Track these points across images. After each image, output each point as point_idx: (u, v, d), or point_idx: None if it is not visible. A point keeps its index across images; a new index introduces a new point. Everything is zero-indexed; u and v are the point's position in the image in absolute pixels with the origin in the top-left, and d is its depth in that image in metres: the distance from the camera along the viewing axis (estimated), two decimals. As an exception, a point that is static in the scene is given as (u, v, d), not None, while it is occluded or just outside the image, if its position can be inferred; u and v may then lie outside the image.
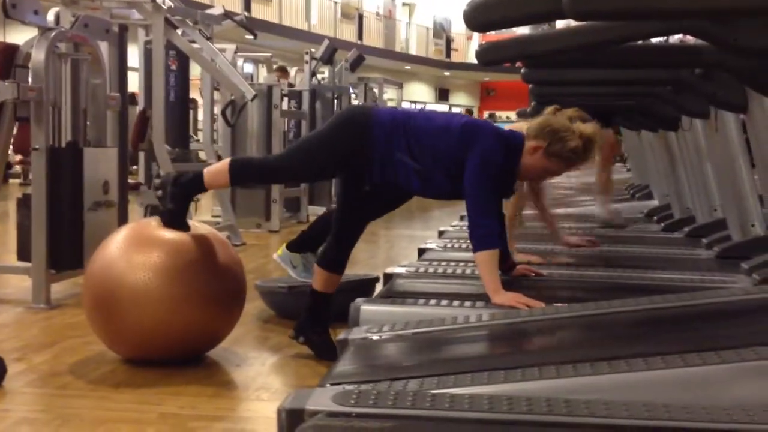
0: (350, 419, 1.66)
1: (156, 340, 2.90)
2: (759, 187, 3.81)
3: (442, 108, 27.76)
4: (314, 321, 3.11)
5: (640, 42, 3.22)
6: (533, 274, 3.32)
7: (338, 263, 3.09)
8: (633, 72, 3.74)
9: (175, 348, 2.95)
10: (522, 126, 3.71)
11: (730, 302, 2.60)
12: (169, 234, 2.94)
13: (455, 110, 26.83)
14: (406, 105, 20.68)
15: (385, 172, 2.97)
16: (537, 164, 2.98)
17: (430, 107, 25.77)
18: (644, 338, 2.35)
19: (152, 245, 2.91)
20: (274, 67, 9.35)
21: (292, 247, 3.59)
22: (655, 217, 5.61)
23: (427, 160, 2.94)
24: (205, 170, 3.05)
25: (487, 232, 2.88)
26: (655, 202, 6.30)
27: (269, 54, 9.19)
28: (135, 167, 6.83)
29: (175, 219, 2.98)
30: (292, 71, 10.34)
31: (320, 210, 8.54)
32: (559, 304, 2.72)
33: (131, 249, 2.91)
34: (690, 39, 3.11)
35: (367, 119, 2.99)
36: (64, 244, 4.06)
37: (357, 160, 2.97)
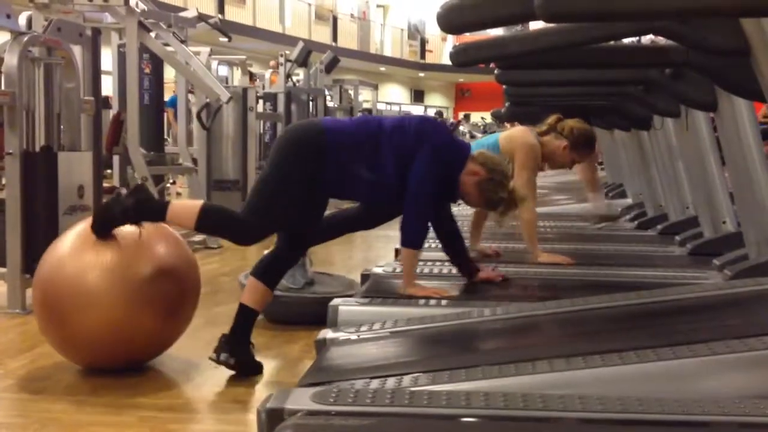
0: (330, 417, 1.67)
1: (102, 345, 2.81)
2: (730, 184, 3.87)
3: (418, 109, 27.82)
4: (239, 339, 2.90)
5: (612, 43, 3.26)
6: (500, 278, 3.25)
7: (275, 279, 2.99)
8: (605, 72, 3.79)
9: (119, 355, 2.85)
10: (525, 129, 3.77)
11: (702, 298, 2.64)
12: (115, 234, 2.83)
13: (430, 111, 26.90)
14: (381, 107, 20.73)
15: (344, 186, 2.95)
16: (466, 185, 3.04)
17: (405, 108, 25.83)
18: (618, 334, 2.39)
19: (93, 247, 2.81)
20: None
21: None
22: (629, 216, 5.67)
23: (387, 170, 2.92)
24: (172, 204, 2.86)
25: (415, 232, 3.01)
26: (629, 201, 6.37)
27: (244, 56, 9.17)
28: (109, 171, 6.79)
29: (106, 225, 2.82)
30: (267, 73, 10.32)
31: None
32: (534, 302, 2.76)
33: (78, 251, 2.83)
34: (661, 39, 3.16)
35: (317, 139, 2.88)
36: (40, 248, 3.99)
37: (317, 177, 2.88)
